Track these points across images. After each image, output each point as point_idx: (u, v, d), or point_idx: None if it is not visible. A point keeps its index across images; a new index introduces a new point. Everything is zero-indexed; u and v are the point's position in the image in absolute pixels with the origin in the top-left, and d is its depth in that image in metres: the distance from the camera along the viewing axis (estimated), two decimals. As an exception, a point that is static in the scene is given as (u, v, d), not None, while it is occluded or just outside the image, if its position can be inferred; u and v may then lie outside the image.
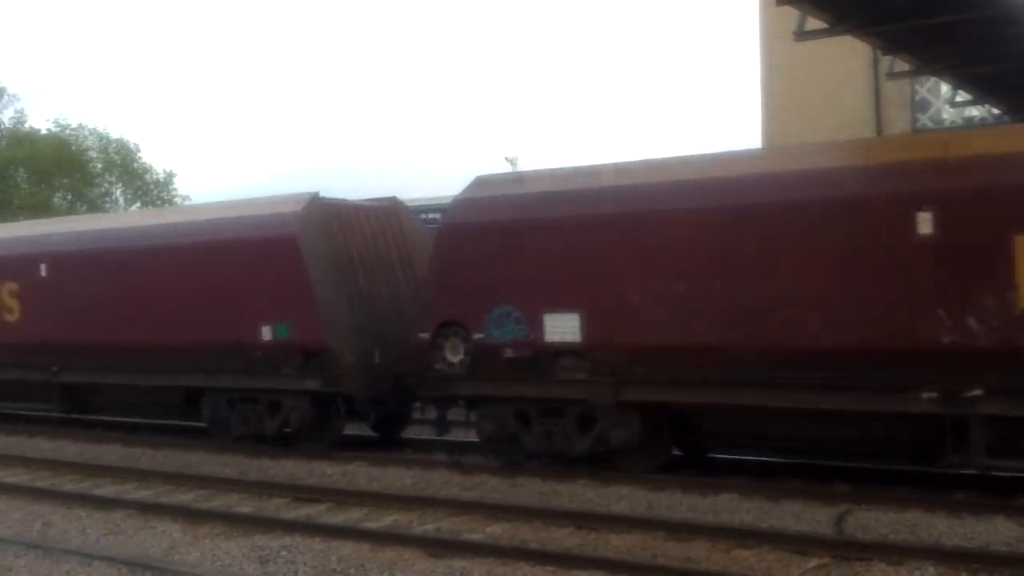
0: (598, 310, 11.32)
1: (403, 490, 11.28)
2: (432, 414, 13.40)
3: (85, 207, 40.24)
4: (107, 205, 41.83)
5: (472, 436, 13.29)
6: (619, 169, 11.87)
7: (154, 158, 63.07)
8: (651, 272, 11.03)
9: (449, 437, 13.98)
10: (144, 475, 12.73)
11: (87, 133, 42.90)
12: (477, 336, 12.04)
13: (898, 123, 22.14)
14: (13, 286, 16.65)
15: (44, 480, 12.85)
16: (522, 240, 11.83)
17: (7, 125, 43.15)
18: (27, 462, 13.96)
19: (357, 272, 13.74)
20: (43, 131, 42.61)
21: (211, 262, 14.21)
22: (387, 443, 14.32)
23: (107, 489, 12.13)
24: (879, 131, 22.04)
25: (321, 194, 13.96)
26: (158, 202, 42.15)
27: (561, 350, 11.57)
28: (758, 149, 12.47)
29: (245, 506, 10.98)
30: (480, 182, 12.62)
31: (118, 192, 43.34)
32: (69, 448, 15.17)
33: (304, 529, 9.71)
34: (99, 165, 42.92)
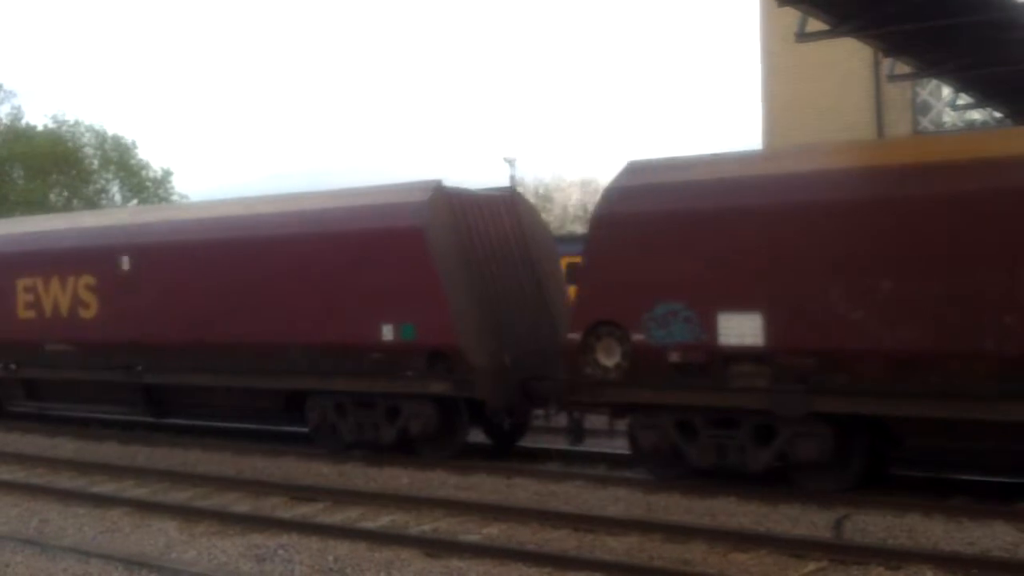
0: (785, 310, 10.13)
1: (400, 490, 11.25)
2: (555, 421, 12.63)
3: (81, 204, 40.23)
4: (103, 202, 41.81)
5: (601, 446, 12.63)
6: (811, 153, 11.03)
7: (151, 155, 63.03)
8: (852, 267, 9.83)
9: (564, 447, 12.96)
10: (141, 473, 12.70)
11: (83, 130, 42.89)
12: (636, 337, 10.87)
13: (899, 126, 22.15)
14: (90, 280, 15.39)
15: (41, 477, 12.82)
16: (692, 231, 10.68)
17: (4, 121, 43.10)
18: (24, 460, 13.92)
19: (481, 267, 12.77)
20: (40, 127, 42.57)
21: (323, 255, 13.13)
22: (505, 451, 13.30)
23: (104, 487, 12.11)
24: (880, 133, 22.04)
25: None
26: (154, 199, 42.11)
27: (737, 354, 10.37)
28: (989, 130, 11.58)
29: (242, 505, 10.95)
30: (637, 168, 11.46)
31: (115, 189, 43.33)
32: (67, 445, 15.12)
33: (301, 528, 9.69)
34: (95, 162, 42.89)
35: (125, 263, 15.04)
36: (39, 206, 36.48)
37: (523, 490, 11.09)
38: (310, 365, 13.23)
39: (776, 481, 10.53)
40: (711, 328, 10.47)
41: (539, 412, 13.02)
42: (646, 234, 10.94)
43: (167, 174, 44.04)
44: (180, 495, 11.54)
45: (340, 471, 12.46)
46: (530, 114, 73.64)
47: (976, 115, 20.96)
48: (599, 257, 11.35)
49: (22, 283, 16.20)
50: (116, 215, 17.41)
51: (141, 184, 43.23)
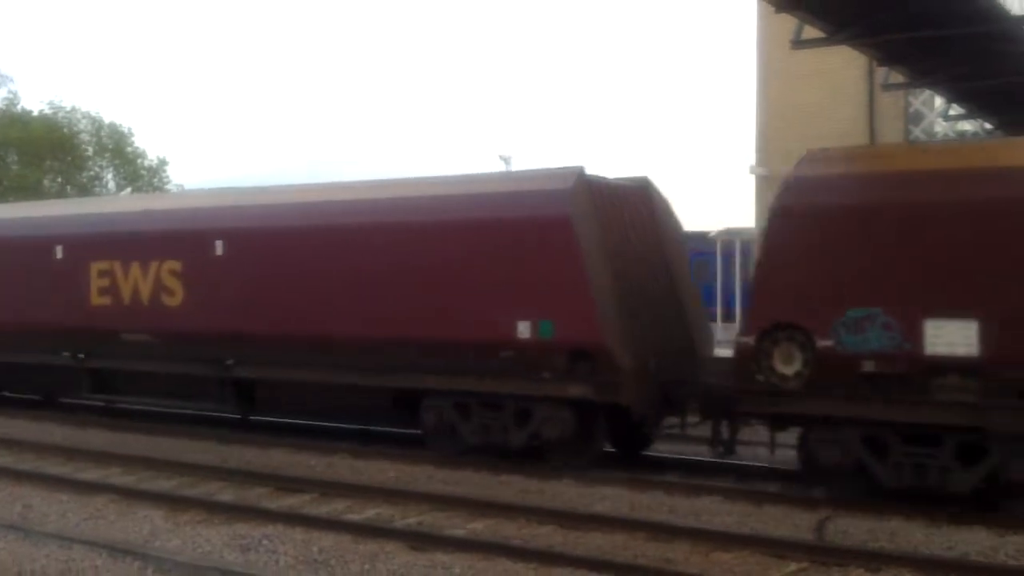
0: (1006, 317, 9.23)
1: (386, 483, 11.27)
2: (690, 429, 11.84)
3: (74, 190, 40.16)
4: (97, 189, 41.71)
5: (746, 459, 12.00)
6: None
7: (148, 145, 62.74)
8: None
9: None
10: (127, 461, 12.68)
11: (80, 116, 42.78)
12: (823, 343, 9.94)
13: (891, 135, 22.26)
14: (175, 265, 14.29)
15: (27, 463, 12.78)
16: (894, 227, 9.71)
17: (0, 106, 42.95)
18: (10, 444, 13.87)
19: (620, 262, 11.78)
20: (35, 112, 42.47)
21: (448, 245, 12.13)
22: (633, 460, 12.30)
23: (90, 474, 12.10)
24: (872, 142, 22.15)
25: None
26: (148, 188, 42.02)
27: (945, 365, 9.48)
28: None
29: (227, 494, 10.95)
30: (821, 157, 10.60)
31: (109, 176, 43.24)
32: (54, 432, 15.05)
33: (286, 519, 9.71)
34: (90, 149, 42.78)
35: (218, 248, 13.89)
36: (33, 192, 36.39)
37: (509, 486, 11.12)
38: (428, 362, 12.30)
39: (982, 504, 9.79)
40: (915, 336, 9.55)
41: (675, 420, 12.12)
42: (839, 230, 9.96)
43: (163, 163, 44.00)
44: (166, 483, 11.54)
45: (328, 463, 12.47)
46: (526, 112, 73.58)
47: (967, 126, 21.12)
48: (780, 254, 10.34)
49: (96, 267, 15.11)
50: (208, 197, 15.47)
51: (136, 172, 43.14)
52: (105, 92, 65.34)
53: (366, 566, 8.30)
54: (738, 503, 10.18)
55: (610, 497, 10.55)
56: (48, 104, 42.74)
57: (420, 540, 8.94)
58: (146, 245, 14.73)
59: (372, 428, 14.26)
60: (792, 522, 9.48)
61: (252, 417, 14.80)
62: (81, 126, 42.72)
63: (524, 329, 11.59)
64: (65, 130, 41.84)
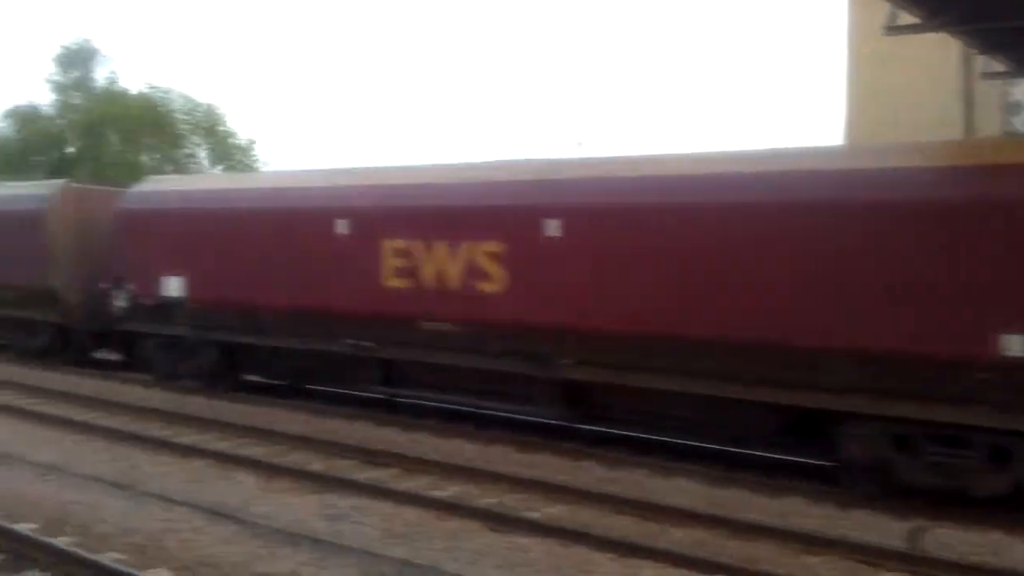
0: None
1: (469, 461, 11.38)
2: None
3: (171, 168, 41.48)
4: (193, 167, 42.99)
5: None
6: None
7: (238, 125, 63.82)
8: None
9: None
10: (223, 427, 13.15)
11: (175, 96, 44.14)
12: None
13: (987, 125, 21.60)
14: (495, 247, 12.35)
15: (131, 424, 13.32)
16: None
17: (101, 84, 44.54)
18: (118, 407, 14.43)
19: None
20: (134, 92, 43.95)
21: (899, 230, 9.82)
22: None
23: (189, 438, 12.57)
24: (967, 132, 21.54)
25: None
26: (239, 167, 43.17)
27: None
28: None
29: (316, 464, 11.27)
30: None
31: (203, 154, 44.52)
32: (156, 397, 15.55)
33: (372, 492, 9.98)
34: (184, 127, 44.08)
35: (552, 228, 11.97)
36: (131, 168, 37.72)
37: (588, 473, 11.14)
38: (852, 379, 10.04)
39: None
40: None
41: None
42: None
43: (251, 143, 45.14)
44: (259, 451, 11.93)
45: (411, 439, 12.70)
46: (597, 97, 71.54)
47: (1070, 121, 20.31)
48: None
49: (391, 245, 13.33)
50: (533, 168, 13.02)
51: (227, 151, 44.33)
52: (197, 75, 66.31)
53: (449, 543, 8.46)
54: (823, 506, 9.93)
55: (688, 491, 10.45)
56: (146, 85, 44.25)
57: (500, 521, 9.05)
58: (456, 222, 12.75)
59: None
60: (882, 528, 9.22)
61: (582, 426, 12.92)
62: (176, 105, 44.09)
63: (1014, 344, 9.33)
64: (161, 109, 43.23)
